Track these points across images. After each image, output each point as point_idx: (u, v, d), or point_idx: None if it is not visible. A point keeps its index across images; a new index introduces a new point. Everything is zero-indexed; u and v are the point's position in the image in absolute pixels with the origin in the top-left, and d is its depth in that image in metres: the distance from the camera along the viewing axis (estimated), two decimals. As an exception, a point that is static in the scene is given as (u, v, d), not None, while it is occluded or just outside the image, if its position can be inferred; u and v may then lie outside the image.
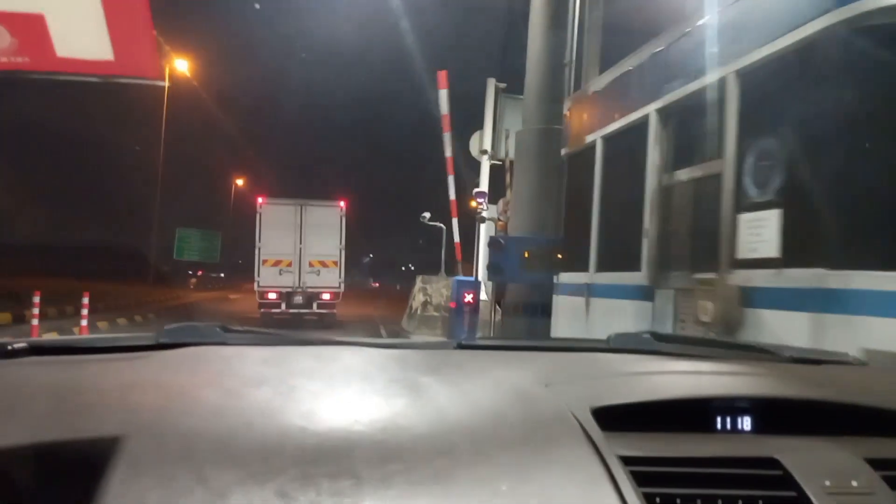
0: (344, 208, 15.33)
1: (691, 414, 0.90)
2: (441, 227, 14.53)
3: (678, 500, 0.76)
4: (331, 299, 14.94)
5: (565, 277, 6.33)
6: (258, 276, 14.93)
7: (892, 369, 1.66)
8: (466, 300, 8.45)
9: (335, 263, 14.77)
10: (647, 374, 1.09)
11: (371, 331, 13.42)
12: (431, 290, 11.90)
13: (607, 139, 6.27)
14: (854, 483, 0.80)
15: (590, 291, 5.22)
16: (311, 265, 14.69)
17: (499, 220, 9.25)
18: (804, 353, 1.45)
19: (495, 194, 11.77)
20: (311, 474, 0.68)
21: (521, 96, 12.60)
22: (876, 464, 0.83)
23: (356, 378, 1.01)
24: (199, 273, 45.04)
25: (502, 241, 7.03)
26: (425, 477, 0.70)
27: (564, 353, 1.34)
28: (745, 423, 0.92)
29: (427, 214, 14.49)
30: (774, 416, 0.92)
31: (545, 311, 7.12)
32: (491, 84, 12.05)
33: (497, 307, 7.95)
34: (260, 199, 15.82)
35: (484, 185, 11.98)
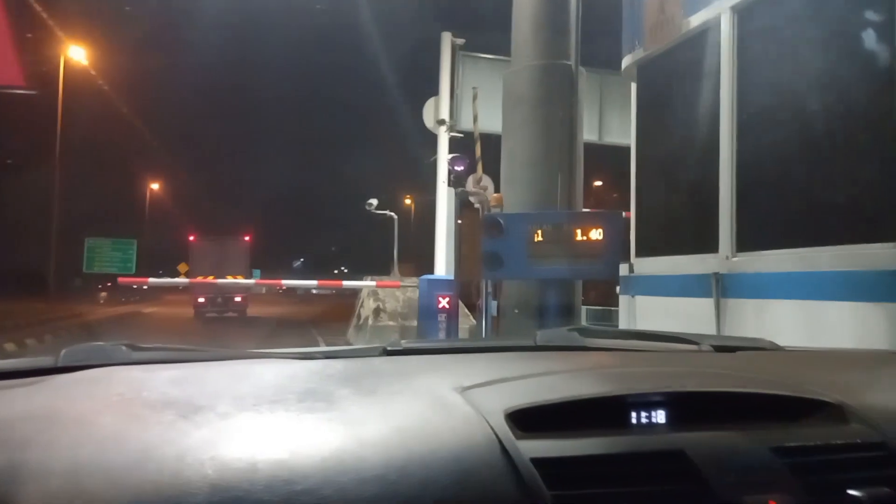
0: (249, 240, 24.56)
1: (607, 410, 0.90)
2: (392, 217, 12.32)
3: (588, 501, 0.76)
4: (242, 301, 22.39)
5: (648, 266, 4.01)
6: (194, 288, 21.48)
7: (802, 354, 1.49)
8: (441, 305, 6.30)
9: (243, 276, 20.79)
10: (567, 371, 1.08)
11: (306, 342, 12.03)
12: (384, 295, 9.74)
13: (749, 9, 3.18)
14: (758, 472, 0.82)
15: (725, 287, 3.04)
16: (226, 279, 19.43)
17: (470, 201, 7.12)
18: (723, 340, 1.54)
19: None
20: None
21: (484, 54, 10.67)
22: (781, 452, 0.85)
23: (268, 394, 0.93)
24: (109, 285, 41.12)
25: (501, 220, 4.92)
26: (330, 496, 0.69)
27: (491, 355, 1.31)
28: (660, 416, 0.91)
29: (374, 202, 12.26)
30: (688, 407, 0.93)
31: (567, 313, 5.09)
32: (446, 39, 9.96)
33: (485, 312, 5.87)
34: (191, 238, 24.45)
35: (443, 162, 9.86)
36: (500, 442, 0.79)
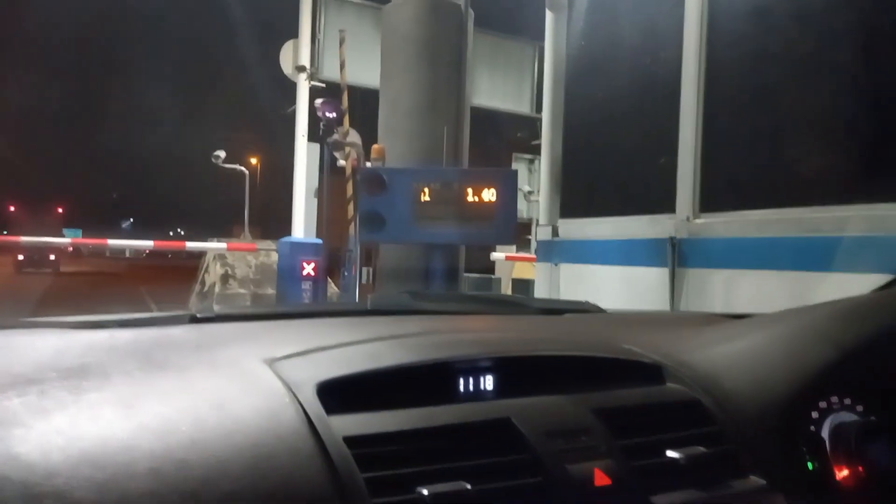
0: (62, 211, 33.55)
1: (432, 379, 0.85)
2: (243, 172, 11.03)
3: (408, 480, 0.70)
4: (55, 260, 25.91)
5: (576, 229, 3.28)
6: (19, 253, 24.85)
7: (625, 315, 1.49)
8: (306, 271, 5.54)
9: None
10: (391, 338, 0.97)
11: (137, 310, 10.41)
12: (233, 259, 8.66)
13: None
14: (583, 438, 0.82)
15: (683, 254, 2.51)
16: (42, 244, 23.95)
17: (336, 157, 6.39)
18: (550, 304, 1.60)
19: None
20: None
21: (350, -3, 9.74)
22: (603, 414, 0.86)
23: (26, 373, 0.75)
24: None
25: (384, 175, 4.26)
26: (83, 497, 0.57)
27: (315, 321, 1.18)
28: (487, 383, 0.88)
29: (221, 154, 10.86)
30: (514, 373, 0.90)
31: (450, 280, 4.58)
32: (307, -24, 8.93)
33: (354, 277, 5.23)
34: (11, 208, 31.36)
35: (303, 114, 8.92)
36: (309, 420, 0.71)
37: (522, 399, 0.86)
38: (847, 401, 0.97)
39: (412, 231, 4.24)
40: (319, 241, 5.95)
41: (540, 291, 3.30)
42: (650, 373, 0.99)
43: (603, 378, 0.95)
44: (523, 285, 8.68)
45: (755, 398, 0.95)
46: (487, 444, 0.78)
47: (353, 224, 6.02)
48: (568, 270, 3.05)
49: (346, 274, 5.89)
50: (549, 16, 3.30)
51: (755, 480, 0.87)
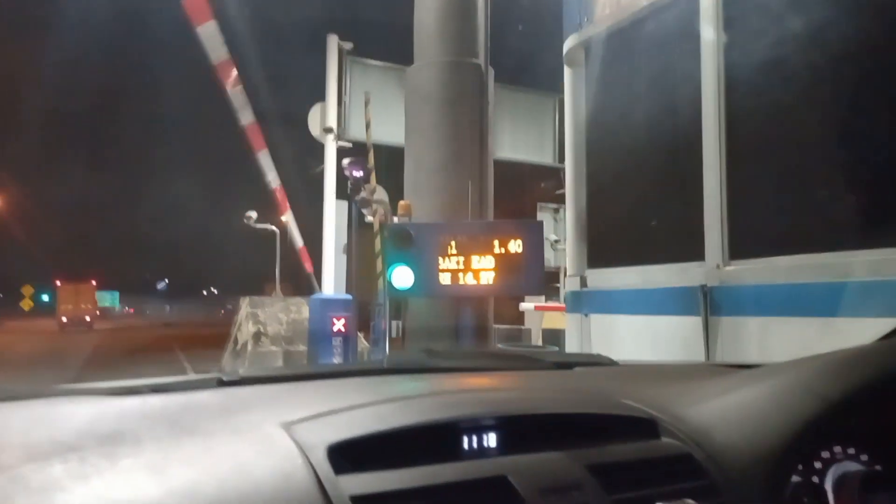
0: (95, 283, 37.68)
1: (436, 437, 0.90)
2: (273, 231, 11.27)
3: None
4: (91, 320, 34.42)
5: (604, 279, 3.29)
6: (59, 314, 34.35)
7: (632, 368, 1.50)
8: (336, 328, 5.58)
9: (91, 306, 35.71)
10: (401, 399, 1.02)
11: (175, 370, 10.83)
12: (265, 317, 8.78)
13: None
14: (574, 494, 0.85)
15: (715, 302, 2.50)
16: (80, 307, 34.83)
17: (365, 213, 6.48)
18: (561, 358, 1.60)
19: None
20: None
21: (374, 61, 10.09)
22: (596, 470, 0.89)
23: (67, 440, 0.81)
24: None
25: (410, 230, 4.33)
26: None
27: (333, 381, 1.23)
28: (489, 440, 0.92)
29: (252, 214, 11.14)
30: (515, 430, 0.94)
31: (479, 333, 4.57)
32: (332, 43, 9.29)
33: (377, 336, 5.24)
34: (58, 282, 36.11)
35: (330, 173, 9.14)
36: (320, 481, 0.76)
37: (520, 456, 0.90)
38: (851, 450, 0.99)
39: (440, 285, 4.27)
40: (349, 296, 6.00)
41: (571, 342, 3.27)
42: (645, 427, 1.02)
43: (599, 433, 0.98)
44: (554, 335, 8.59)
45: (746, 451, 0.98)
46: (485, 501, 0.83)
47: (381, 278, 6.07)
48: (598, 321, 3.03)
49: (375, 328, 5.91)
50: (567, 71, 3.38)
51: None
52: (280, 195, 8.91)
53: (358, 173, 5.23)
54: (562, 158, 12.06)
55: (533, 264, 4.17)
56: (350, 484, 0.77)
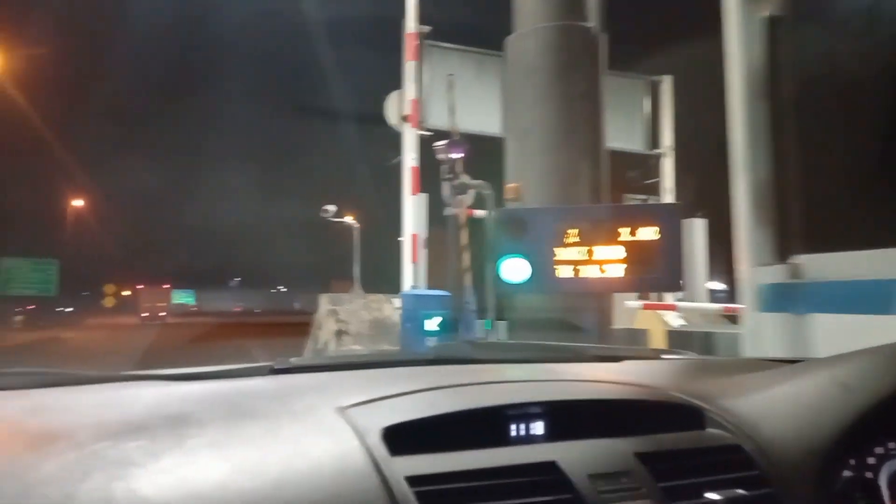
0: (169, 287, 46.50)
1: (485, 424, 0.92)
2: (352, 226, 10.94)
3: None
4: (165, 315, 40.94)
5: (837, 267, 2.47)
6: (140, 311, 41.38)
7: (680, 362, 1.48)
8: (433, 327, 5.09)
9: (166, 303, 43.48)
10: (450, 386, 1.04)
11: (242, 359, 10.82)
12: (346, 315, 8.44)
13: None
14: (623, 480, 0.86)
15: None
16: (156, 306, 41.78)
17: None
18: (608, 351, 1.58)
19: (434, 176, 8.52)
20: None
21: (453, 45, 9.59)
22: (645, 458, 0.90)
23: (134, 421, 0.86)
24: (31, 308, 38.48)
25: (524, 216, 3.77)
26: None
27: (381, 371, 1.25)
28: (536, 427, 0.94)
29: (331, 208, 10.83)
30: (562, 417, 0.96)
31: (602, 332, 3.98)
32: (409, 26, 8.81)
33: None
34: (140, 286, 44.73)
35: (409, 163, 8.68)
36: (375, 462, 0.79)
37: (568, 442, 0.91)
38: None
39: (558, 279, 3.70)
40: (446, 292, 5.50)
41: (760, 347, 2.63)
42: (692, 418, 1.02)
43: (647, 422, 0.97)
44: (639, 336, 7.88)
45: (795, 444, 0.98)
46: (535, 485, 0.84)
47: (468, 274, 5.57)
48: (824, 322, 2.36)
49: (464, 327, 5.40)
50: (733, 7, 2.74)
51: None
52: (413, 175, 8.37)
53: (457, 154, 4.71)
54: (654, 145, 11.32)
55: (671, 254, 3.54)
56: (404, 465, 0.80)
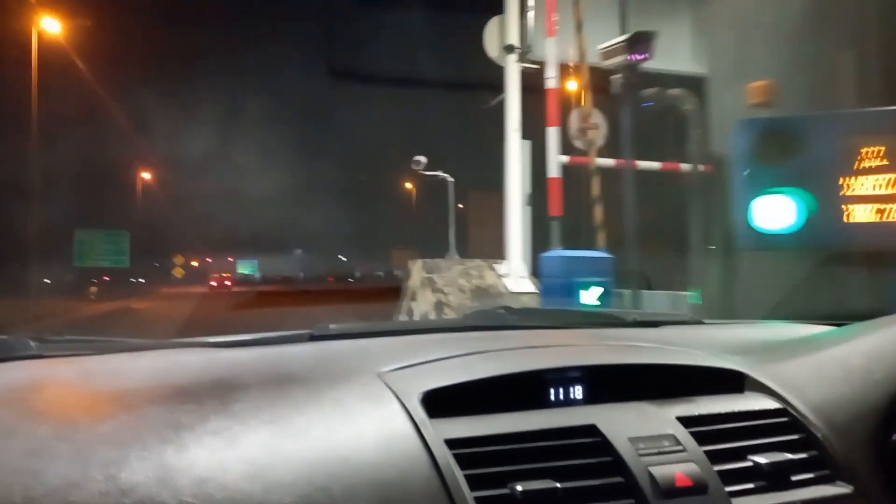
0: (233, 259, 53.27)
1: (524, 388, 0.91)
2: (447, 180, 9.64)
3: (502, 478, 0.78)
4: (230, 284, 42.61)
5: None
6: (209, 281, 44.08)
7: (720, 327, 1.49)
8: (588, 299, 3.80)
9: (231, 274, 47.56)
10: (487, 351, 1.04)
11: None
12: (444, 283, 7.23)
13: None
14: (665, 443, 0.85)
15: None
16: (222, 276, 45.60)
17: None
18: (646, 316, 1.54)
19: (538, 121, 7.16)
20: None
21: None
22: (687, 422, 0.89)
23: (181, 386, 0.88)
24: (105, 279, 39.68)
25: (792, 127, 2.38)
26: (242, 486, 0.68)
27: (418, 337, 1.29)
28: (575, 392, 0.94)
29: (422, 159, 9.55)
30: (601, 381, 0.95)
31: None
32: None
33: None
34: (207, 257, 52.06)
35: (514, 102, 7.32)
36: (415, 425, 0.80)
37: (608, 406, 0.90)
38: None
39: (851, 225, 2.32)
40: (606, 254, 4.17)
41: None
42: (736, 382, 1.01)
43: (688, 387, 0.97)
44: None
45: (844, 408, 0.97)
46: (574, 448, 0.83)
47: (601, 233, 4.25)
48: None
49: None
50: None
51: (841, 486, 0.89)
52: (553, 98, 6.99)
53: (640, 56, 3.33)
54: None
55: None
56: (444, 429, 0.80)
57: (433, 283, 7.15)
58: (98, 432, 0.72)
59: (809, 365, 1.06)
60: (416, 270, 7.71)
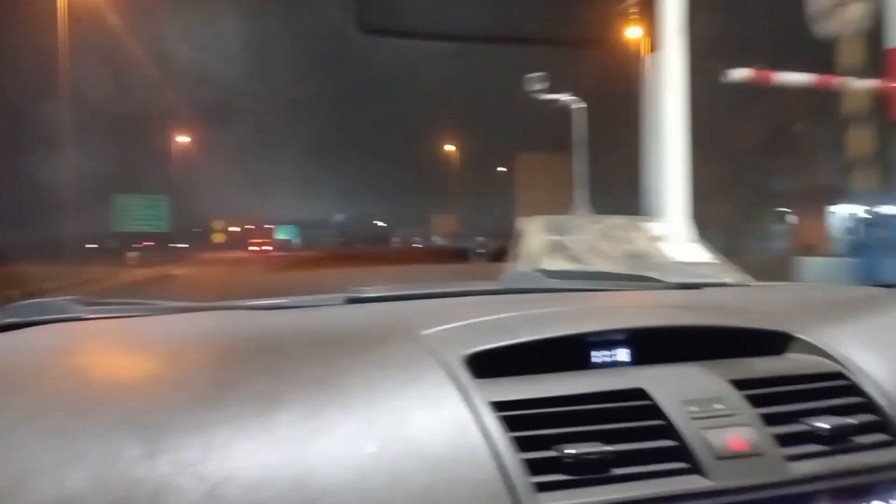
0: (272, 227, 48.40)
1: (567, 351, 0.92)
2: (573, 106, 7.64)
3: (548, 441, 0.78)
4: (271, 248, 42.96)
5: None
6: (248, 246, 42.41)
7: (768, 288, 1.47)
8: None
9: (269, 239, 45.55)
10: (527, 313, 1.06)
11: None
12: (579, 249, 5.66)
13: None
14: (717, 406, 0.84)
15: None
16: (262, 241, 44.48)
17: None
18: (689, 278, 1.56)
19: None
20: (157, 451, 0.65)
21: None
22: (740, 384, 0.87)
23: (220, 347, 0.94)
24: (146, 244, 39.35)
25: None
26: (285, 437, 0.70)
27: (455, 299, 1.30)
28: (620, 354, 0.94)
29: (540, 77, 7.67)
30: (647, 344, 0.94)
31: None
32: None
33: None
34: (249, 226, 46.94)
35: None
36: (459, 386, 0.80)
37: (655, 368, 0.89)
38: None
39: None
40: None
41: None
42: (791, 344, 0.99)
43: (738, 348, 0.96)
44: None
45: None
46: (622, 411, 0.82)
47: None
48: None
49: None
50: None
51: None
52: None
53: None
54: None
55: None
56: (488, 391, 0.80)
57: (565, 249, 5.50)
58: (142, 393, 0.75)
59: (862, 327, 1.05)
60: (535, 231, 6.03)
